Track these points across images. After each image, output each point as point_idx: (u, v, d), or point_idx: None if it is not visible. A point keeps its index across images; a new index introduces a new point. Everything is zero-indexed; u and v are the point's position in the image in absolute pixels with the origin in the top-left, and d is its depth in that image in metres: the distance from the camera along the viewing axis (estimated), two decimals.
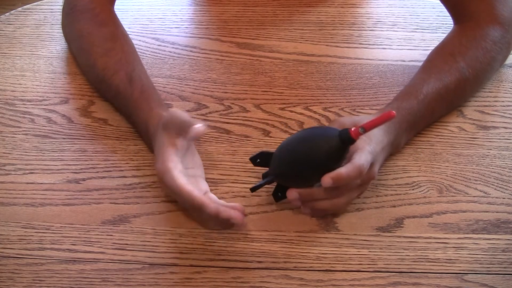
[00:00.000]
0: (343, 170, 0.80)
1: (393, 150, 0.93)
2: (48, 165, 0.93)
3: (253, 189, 0.86)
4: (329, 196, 0.84)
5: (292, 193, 0.84)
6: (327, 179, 0.80)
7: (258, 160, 0.87)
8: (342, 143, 0.79)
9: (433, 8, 1.18)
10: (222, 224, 0.82)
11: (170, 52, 1.09)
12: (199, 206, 0.79)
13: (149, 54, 1.07)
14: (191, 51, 1.09)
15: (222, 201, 0.83)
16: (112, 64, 0.96)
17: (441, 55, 1.00)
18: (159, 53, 1.09)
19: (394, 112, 0.76)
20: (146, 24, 1.14)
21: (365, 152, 0.83)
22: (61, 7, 1.08)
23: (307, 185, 0.83)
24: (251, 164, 0.91)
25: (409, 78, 0.99)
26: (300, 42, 1.11)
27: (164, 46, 1.10)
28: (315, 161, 0.80)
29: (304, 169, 0.81)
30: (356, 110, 1.00)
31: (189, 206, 0.81)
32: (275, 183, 0.87)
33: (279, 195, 0.86)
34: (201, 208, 0.79)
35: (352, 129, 0.78)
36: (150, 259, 0.83)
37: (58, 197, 0.89)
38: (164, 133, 0.85)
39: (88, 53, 0.99)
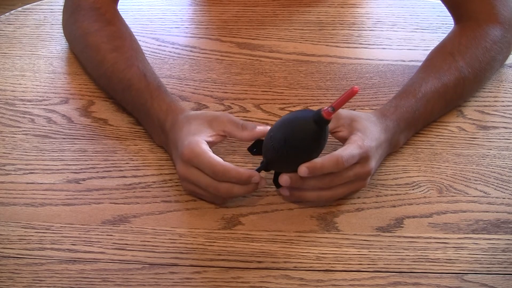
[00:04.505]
0: (319, 159, 0.82)
1: (392, 148, 0.93)
2: (48, 165, 0.93)
3: None
4: (321, 186, 0.84)
5: (284, 178, 0.84)
6: (303, 169, 0.82)
7: (255, 149, 0.88)
8: (317, 125, 0.80)
9: (433, 8, 1.18)
10: (247, 192, 0.86)
11: (170, 52, 1.09)
12: (247, 179, 0.83)
13: (149, 54, 1.07)
14: (191, 51, 1.09)
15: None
16: (124, 60, 0.97)
17: (440, 54, 1.00)
18: (159, 53, 1.09)
19: (357, 87, 0.78)
20: (146, 24, 1.14)
21: (352, 146, 0.84)
22: (61, 7, 1.09)
23: (294, 169, 0.83)
24: (251, 164, 0.91)
25: (409, 78, 0.99)
26: (300, 42, 1.11)
27: (164, 46, 1.10)
28: (293, 145, 0.81)
29: (286, 154, 0.82)
30: (356, 110, 1.00)
31: (233, 181, 0.83)
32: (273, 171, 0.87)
33: (278, 182, 0.86)
34: (249, 179, 0.83)
35: (324, 108, 0.79)
36: (150, 259, 0.83)
37: (58, 197, 0.89)
38: (205, 125, 0.87)
39: (96, 49, 0.99)
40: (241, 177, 0.83)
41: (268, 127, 0.86)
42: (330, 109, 0.79)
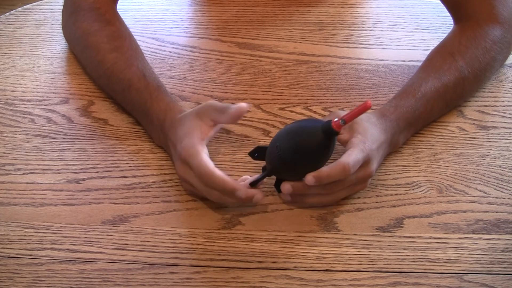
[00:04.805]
0: (326, 168, 0.82)
1: (392, 148, 0.93)
2: (48, 165, 0.93)
3: (252, 184, 0.86)
4: (323, 192, 0.85)
5: (286, 187, 0.84)
6: (309, 178, 0.81)
7: (256, 154, 0.87)
8: (326, 136, 0.80)
9: (433, 8, 1.18)
10: (242, 203, 0.85)
11: (170, 52, 1.09)
12: (231, 190, 0.81)
13: (149, 54, 1.07)
14: (191, 51, 1.09)
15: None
16: (123, 60, 0.97)
17: (440, 54, 1.00)
18: (159, 53, 1.09)
19: (370, 102, 0.77)
20: (146, 24, 1.14)
21: (355, 151, 0.84)
22: (61, 7, 1.09)
23: (300, 177, 0.83)
24: (251, 164, 0.91)
25: (409, 78, 0.99)
26: (300, 42, 1.11)
27: (164, 46, 1.10)
28: (301, 155, 0.81)
29: (292, 163, 0.82)
30: None
31: (217, 189, 0.82)
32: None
33: (279, 186, 0.86)
34: (232, 192, 0.81)
35: (334, 120, 0.79)
36: (150, 259, 0.83)
37: (58, 197, 0.89)
38: (196, 120, 0.87)
39: (96, 49, 0.99)
40: (225, 187, 0.82)
41: (244, 104, 0.85)
42: (341, 122, 0.79)
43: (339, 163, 0.82)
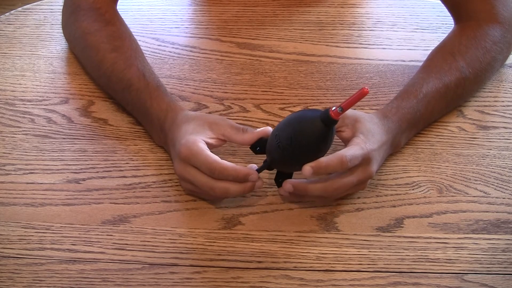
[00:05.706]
0: (324, 158, 0.82)
1: (393, 149, 0.93)
2: (48, 165, 0.93)
3: None
4: (324, 194, 0.85)
5: (287, 186, 0.84)
6: (307, 168, 0.81)
7: (258, 148, 0.87)
8: (324, 125, 0.80)
9: (433, 8, 1.18)
10: (245, 193, 0.86)
11: (170, 52, 1.09)
12: (244, 176, 0.83)
13: (149, 54, 1.07)
14: (191, 51, 1.09)
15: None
16: (123, 60, 0.97)
17: (441, 54, 1.00)
18: (159, 53, 1.09)
19: (367, 88, 0.77)
20: (146, 24, 1.14)
21: (355, 148, 0.84)
22: (61, 7, 1.09)
23: (298, 168, 0.83)
24: (251, 164, 0.91)
25: (409, 78, 0.99)
26: (300, 42, 1.11)
27: (164, 46, 1.10)
28: (299, 144, 0.81)
29: (291, 153, 0.82)
30: (356, 110, 1.00)
31: (229, 178, 0.83)
32: (275, 170, 0.87)
33: (280, 181, 0.86)
34: (246, 177, 0.83)
35: (332, 109, 0.79)
36: (150, 259, 0.83)
37: (58, 197, 0.89)
38: (205, 126, 0.87)
39: (95, 49, 0.99)
40: (238, 175, 0.83)
41: (270, 128, 0.86)
42: (339, 109, 0.79)
43: (336, 155, 0.82)
